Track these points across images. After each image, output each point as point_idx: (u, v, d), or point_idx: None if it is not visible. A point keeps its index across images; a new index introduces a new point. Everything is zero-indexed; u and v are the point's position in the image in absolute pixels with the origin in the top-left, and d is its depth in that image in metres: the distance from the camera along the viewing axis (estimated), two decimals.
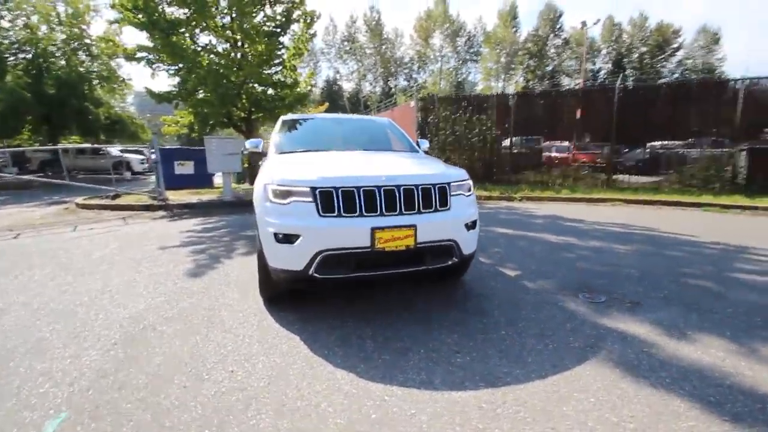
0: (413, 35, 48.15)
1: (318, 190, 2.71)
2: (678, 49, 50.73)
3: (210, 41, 10.70)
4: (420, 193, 2.84)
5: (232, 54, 10.14)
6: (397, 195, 2.78)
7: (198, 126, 11.87)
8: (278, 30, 10.52)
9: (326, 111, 16.11)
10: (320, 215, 2.68)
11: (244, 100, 10.80)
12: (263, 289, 3.16)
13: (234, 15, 9.82)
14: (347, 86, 53.80)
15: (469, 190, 3.19)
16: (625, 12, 61.66)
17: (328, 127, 4.53)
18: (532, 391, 2.05)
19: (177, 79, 10.93)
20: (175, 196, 9.81)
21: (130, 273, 4.12)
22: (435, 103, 11.51)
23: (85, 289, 3.65)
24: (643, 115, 10.69)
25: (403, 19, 79.47)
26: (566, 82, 51.54)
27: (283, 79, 11.39)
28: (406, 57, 51.78)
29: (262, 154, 4.09)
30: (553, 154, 14.09)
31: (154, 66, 10.52)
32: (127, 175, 18.69)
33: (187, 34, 10.31)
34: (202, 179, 12.26)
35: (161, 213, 8.34)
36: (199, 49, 10.51)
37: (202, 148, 9.48)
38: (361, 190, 2.72)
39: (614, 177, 11.11)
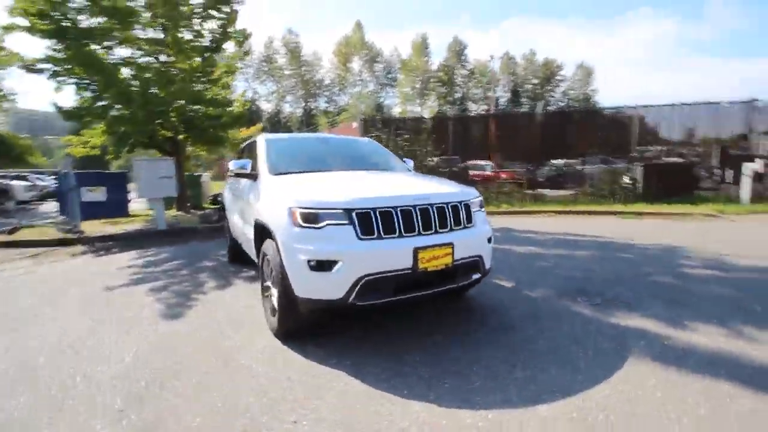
0: (333, 59, 48.95)
1: (355, 212, 2.56)
2: (561, 81, 59.01)
3: (132, 54, 9.61)
4: (450, 210, 2.85)
5: (163, 69, 9.22)
6: (432, 213, 2.75)
7: (114, 146, 10.49)
8: (213, 45, 9.88)
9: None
10: (359, 238, 2.53)
11: (173, 119, 9.83)
12: (283, 324, 2.83)
13: (166, 27, 8.99)
14: (266, 107, 52.37)
15: (482, 206, 3.28)
16: (519, 48, 70.57)
17: (317, 147, 4.34)
18: (605, 395, 2.13)
19: (86, 94, 9.59)
20: (90, 228, 8.45)
21: (84, 320, 3.41)
22: (377, 124, 11.77)
23: (35, 344, 2.92)
24: (555, 136, 12.17)
25: (322, 42, 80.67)
26: (473, 108, 56.57)
27: (217, 98, 10.66)
28: (327, 79, 52.37)
29: (250, 176, 3.74)
30: (478, 172, 15.24)
31: (59, 79, 9.11)
32: (9, 205, 15.62)
33: (99, 46, 9.16)
34: (115, 207, 10.80)
35: (81, 248, 7.09)
36: (120, 61, 9.39)
37: (114, 172, 8.39)
38: (398, 210, 2.64)
39: (534, 191, 12.36)
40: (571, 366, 2.44)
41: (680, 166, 10.91)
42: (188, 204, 11.71)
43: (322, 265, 2.49)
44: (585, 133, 11.85)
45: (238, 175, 3.84)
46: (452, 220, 2.83)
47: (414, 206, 2.70)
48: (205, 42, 9.95)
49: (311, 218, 2.56)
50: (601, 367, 2.42)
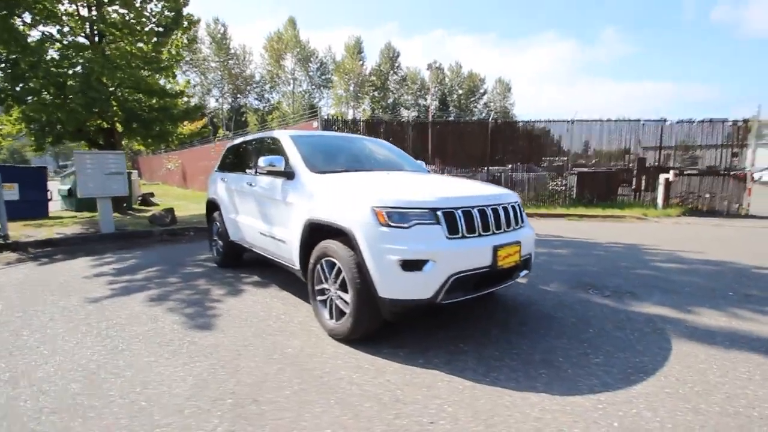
0: (264, 54, 46.89)
1: (440, 211, 2.59)
2: (484, 93, 63.54)
3: (59, 32, 8.28)
4: (512, 211, 3.01)
5: (107, 51, 8.08)
6: (502, 213, 2.89)
7: (34, 137, 8.98)
8: (163, 29, 8.92)
9: None
10: (447, 237, 2.57)
11: (115, 108, 8.68)
12: (358, 327, 2.71)
13: (99, 4, 7.90)
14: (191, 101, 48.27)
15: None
16: (444, 59, 74.49)
17: (345, 146, 4.21)
18: (679, 370, 2.43)
19: None
20: (14, 231, 7.14)
21: (94, 340, 2.94)
22: (338, 124, 11.63)
23: (57, 376, 2.45)
24: (495, 143, 13.11)
25: (252, 35, 76.74)
26: (405, 114, 58.39)
27: (165, 87, 9.66)
28: (257, 75, 49.99)
29: (282, 174, 3.51)
30: None
31: None
32: None
33: (20, 20, 7.78)
34: (31, 207, 9.32)
35: (14, 255, 5.96)
36: (45, 38, 8.05)
37: (30, 167, 7.19)
38: (476, 209, 2.73)
39: None
40: (631, 349, 2.73)
41: (607, 174, 12.51)
42: (125, 204, 10.43)
43: (414, 265, 2.47)
44: (512, 143, 12.90)
45: (270, 173, 3.57)
46: (514, 219, 3.00)
47: (488, 206, 2.81)
48: (151, 25, 8.98)
49: (399, 218, 2.54)
50: (656, 348, 2.75)
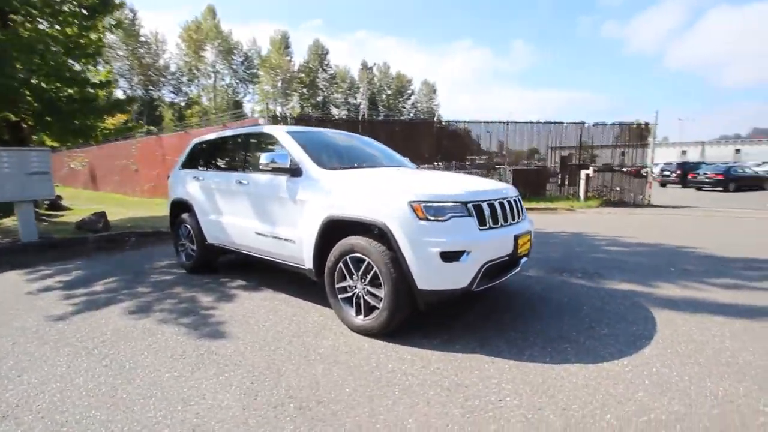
0: (181, 44, 43.20)
1: (471, 204, 2.73)
2: (411, 94, 65.61)
3: None
4: (516, 203, 3.26)
5: (24, 33, 6.84)
6: (514, 206, 3.12)
7: None
8: (90, 11, 7.82)
9: None
10: (479, 229, 2.72)
11: (29, 98, 7.42)
12: (391, 321, 2.74)
13: None
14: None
15: None
16: (369, 60, 75.36)
17: (340, 143, 4.12)
18: (671, 333, 2.86)
19: None
20: None
21: (87, 361, 2.58)
22: (296, 122, 11.23)
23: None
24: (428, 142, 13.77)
25: (165, 23, 69.97)
26: (335, 113, 58.02)
27: (87, 76, 8.50)
28: (173, 66, 45.84)
29: (285, 171, 3.36)
30: None
31: None
32: None
33: None
34: None
35: None
36: None
37: None
38: (496, 202, 2.92)
39: None
40: (624, 320, 3.14)
41: (537, 171, 13.80)
42: (39, 209, 9.00)
43: (453, 256, 2.58)
44: (451, 141, 13.68)
45: (274, 170, 3.39)
46: (518, 211, 3.25)
47: (504, 199, 3.02)
48: (76, 6, 7.86)
49: (436, 211, 2.62)
50: (642, 318, 3.18)
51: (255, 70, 49.90)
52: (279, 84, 52.94)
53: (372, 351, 2.67)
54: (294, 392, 2.18)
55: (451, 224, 2.63)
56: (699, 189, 20.65)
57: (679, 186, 23.40)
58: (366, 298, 2.87)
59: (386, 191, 2.80)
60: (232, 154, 4.22)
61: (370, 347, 2.72)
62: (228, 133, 4.50)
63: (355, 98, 64.17)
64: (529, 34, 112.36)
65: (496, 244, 2.77)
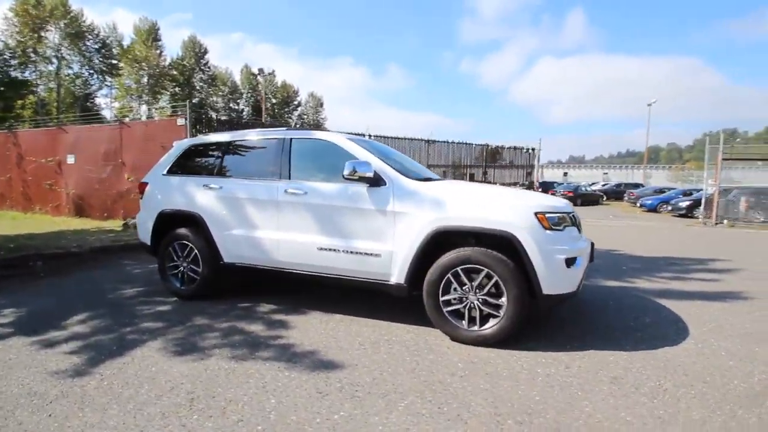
0: (13, 19, 34.24)
1: (570, 215, 3.05)
2: (298, 105, 64.60)
3: None
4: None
5: None
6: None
7: None
8: None
9: None
10: (578, 237, 3.05)
11: None
12: (510, 328, 2.82)
13: None
14: None
15: None
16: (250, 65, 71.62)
17: (390, 152, 4.01)
18: (683, 320, 3.61)
19: None
20: None
21: (192, 419, 2.04)
22: (214, 125, 9.95)
23: None
24: None
25: None
26: (214, 116, 53.30)
27: None
28: None
29: (366, 181, 3.14)
30: None
31: None
32: None
33: None
34: None
35: None
36: None
37: None
38: (573, 214, 3.28)
39: None
40: (643, 312, 3.82)
41: None
42: None
43: (572, 262, 2.84)
44: None
45: (352, 179, 3.13)
46: None
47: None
48: None
49: (556, 221, 2.86)
50: (653, 309, 3.93)
51: (116, 61, 42.46)
52: (145, 79, 46.27)
53: (509, 359, 2.71)
54: (501, 408, 2.12)
55: (566, 233, 2.90)
56: None
57: None
58: (483, 308, 2.90)
59: (511, 203, 2.94)
60: (267, 160, 3.71)
61: (499, 356, 2.76)
62: (255, 136, 3.94)
63: (238, 104, 60.25)
64: (403, 59, 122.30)
65: (588, 250, 3.14)
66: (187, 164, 4.12)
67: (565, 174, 56.79)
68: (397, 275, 3.12)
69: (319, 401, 2.18)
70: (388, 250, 3.13)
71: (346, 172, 3.12)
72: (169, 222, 4.02)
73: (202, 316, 3.50)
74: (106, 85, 44.00)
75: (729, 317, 3.66)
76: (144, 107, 48.14)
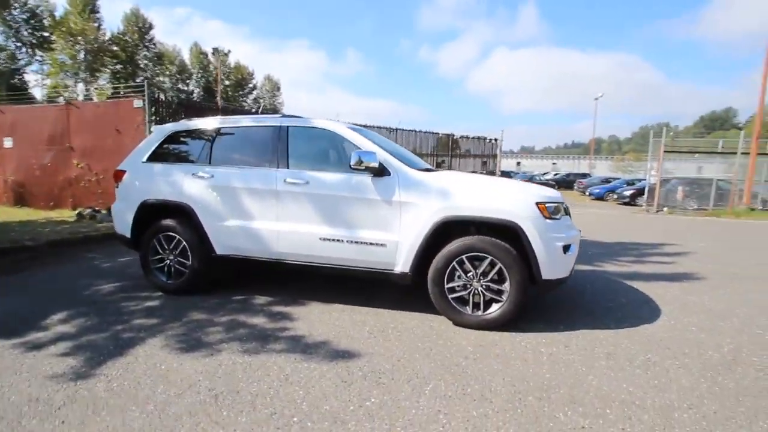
0: None
1: (564, 204, 3.25)
2: (254, 89, 61.97)
3: None
4: None
5: None
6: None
7: None
8: None
9: None
10: (571, 225, 3.26)
11: None
12: (513, 311, 2.99)
13: None
14: None
15: None
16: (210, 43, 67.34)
17: (387, 143, 3.97)
18: (659, 298, 4.00)
19: None
20: None
21: (250, 420, 2.02)
22: (179, 107, 9.30)
23: None
24: None
25: None
26: (173, 98, 49.92)
27: None
28: None
29: (370, 171, 3.14)
30: None
31: None
32: None
33: None
34: None
35: None
36: None
37: None
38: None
39: None
40: (623, 293, 4.18)
41: None
42: None
43: (567, 248, 3.05)
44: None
45: (358, 169, 3.12)
46: None
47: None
48: None
49: (553, 210, 3.04)
50: (630, 290, 4.30)
51: (47, 34, 38.26)
52: (82, 55, 42.25)
53: (513, 342, 2.88)
54: (519, 387, 2.26)
55: (562, 221, 3.10)
56: None
57: None
58: (486, 293, 3.04)
59: (514, 194, 3.08)
60: (263, 149, 3.59)
61: (503, 339, 2.92)
62: (246, 122, 3.79)
63: (187, 84, 56.79)
64: (359, 44, 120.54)
65: (579, 238, 3.37)
66: (171, 151, 3.89)
67: (518, 164, 59.25)
68: (402, 264, 3.18)
69: (346, 390, 2.21)
70: (394, 239, 3.17)
71: (353, 162, 3.10)
72: (152, 213, 3.79)
73: (196, 310, 3.37)
74: (37, 60, 39.75)
75: (690, 296, 4.09)
76: (81, 85, 44.09)
